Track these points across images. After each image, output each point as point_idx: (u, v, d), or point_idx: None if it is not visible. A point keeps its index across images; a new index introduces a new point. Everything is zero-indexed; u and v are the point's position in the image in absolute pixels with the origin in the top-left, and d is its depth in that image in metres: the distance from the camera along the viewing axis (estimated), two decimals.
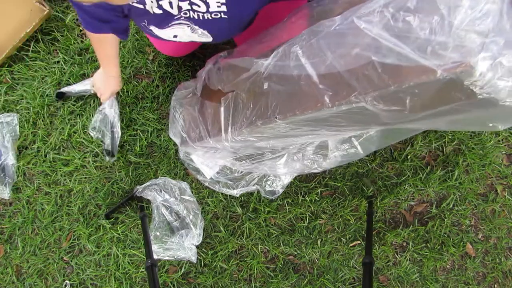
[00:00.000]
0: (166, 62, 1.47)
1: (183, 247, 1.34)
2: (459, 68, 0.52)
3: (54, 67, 1.48)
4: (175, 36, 0.96)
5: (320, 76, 0.69)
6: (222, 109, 0.95)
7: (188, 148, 1.17)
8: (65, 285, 1.47)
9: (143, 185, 1.40)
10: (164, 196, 1.36)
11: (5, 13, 1.40)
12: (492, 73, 0.52)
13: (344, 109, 0.68)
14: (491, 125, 0.68)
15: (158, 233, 1.35)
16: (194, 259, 1.35)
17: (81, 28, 1.50)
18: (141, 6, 0.82)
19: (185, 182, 1.40)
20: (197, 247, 1.39)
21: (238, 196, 1.36)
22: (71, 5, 1.48)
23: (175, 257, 1.35)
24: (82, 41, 1.49)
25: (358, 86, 0.63)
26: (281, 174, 1.26)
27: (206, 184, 1.30)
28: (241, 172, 1.29)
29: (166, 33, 0.94)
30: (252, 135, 0.88)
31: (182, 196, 1.37)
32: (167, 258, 1.35)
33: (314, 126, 0.79)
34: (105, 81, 1.28)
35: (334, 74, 0.66)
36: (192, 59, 1.46)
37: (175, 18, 0.87)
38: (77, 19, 1.49)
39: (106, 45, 1.11)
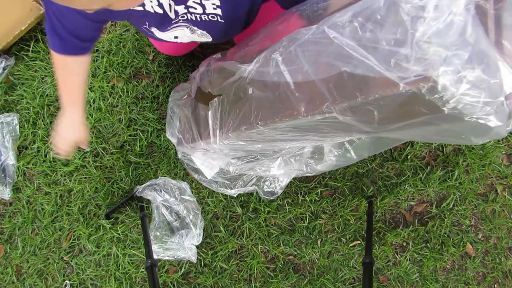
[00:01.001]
0: (166, 62, 1.47)
1: (183, 247, 1.34)
2: (421, 82, 0.51)
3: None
4: (176, 37, 0.96)
5: (296, 84, 0.69)
6: (209, 112, 0.95)
7: (184, 149, 1.17)
8: (65, 285, 1.47)
9: (143, 185, 1.40)
10: (164, 196, 1.36)
11: (1, 10, 1.40)
12: (455, 88, 0.50)
13: (319, 119, 0.67)
14: (466, 139, 0.67)
15: (158, 233, 1.35)
16: (194, 259, 1.35)
17: None
18: (140, 8, 0.82)
19: (185, 182, 1.40)
20: (197, 247, 1.39)
21: (235, 196, 1.36)
22: None
23: (175, 257, 1.35)
24: None
25: (330, 96, 0.63)
26: (275, 176, 1.26)
27: (203, 183, 1.30)
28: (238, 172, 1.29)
29: (167, 35, 0.94)
30: (240, 139, 0.88)
31: (182, 196, 1.38)
32: (167, 258, 1.35)
33: (299, 132, 0.79)
34: (66, 128, 1.03)
35: (310, 83, 0.66)
36: (192, 59, 1.46)
37: (173, 22, 0.87)
38: None
39: (74, 72, 0.95)
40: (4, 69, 1.47)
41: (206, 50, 1.46)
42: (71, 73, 0.96)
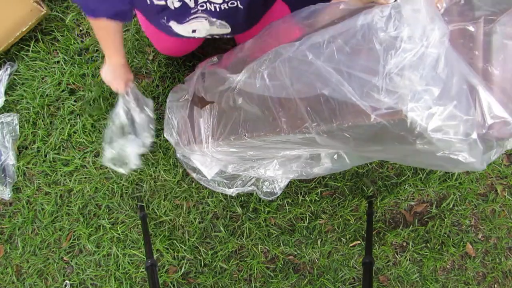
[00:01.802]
0: (166, 62, 1.47)
1: (125, 151, 1.24)
2: (392, 115, 0.50)
3: (54, 67, 1.48)
4: (194, 31, 0.95)
5: (280, 100, 0.69)
6: (201, 119, 0.95)
7: (181, 150, 1.17)
8: (65, 285, 1.47)
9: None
10: (129, 100, 1.23)
11: (2, 11, 1.39)
12: (426, 123, 0.49)
13: (301, 137, 0.67)
14: (444, 167, 0.66)
15: (111, 137, 1.24)
16: (133, 167, 1.26)
17: (81, 28, 1.50)
18: (162, 3, 0.82)
19: (151, 100, 1.28)
20: (197, 247, 1.39)
21: (234, 195, 1.36)
22: (71, 6, 1.48)
23: (114, 164, 1.26)
24: (82, 41, 1.49)
25: (308, 117, 0.62)
26: (272, 178, 1.25)
27: (202, 183, 1.29)
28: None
29: (185, 29, 0.93)
30: (232, 147, 0.88)
31: (144, 108, 1.26)
32: (108, 165, 1.26)
33: (289, 144, 0.79)
34: (115, 72, 1.17)
35: (291, 101, 0.65)
36: (192, 59, 1.46)
37: (192, 12, 0.86)
38: (77, 19, 1.49)
39: (110, 33, 1.03)
40: (9, 75, 1.48)
41: (206, 51, 1.46)
42: (112, 32, 1.02)
